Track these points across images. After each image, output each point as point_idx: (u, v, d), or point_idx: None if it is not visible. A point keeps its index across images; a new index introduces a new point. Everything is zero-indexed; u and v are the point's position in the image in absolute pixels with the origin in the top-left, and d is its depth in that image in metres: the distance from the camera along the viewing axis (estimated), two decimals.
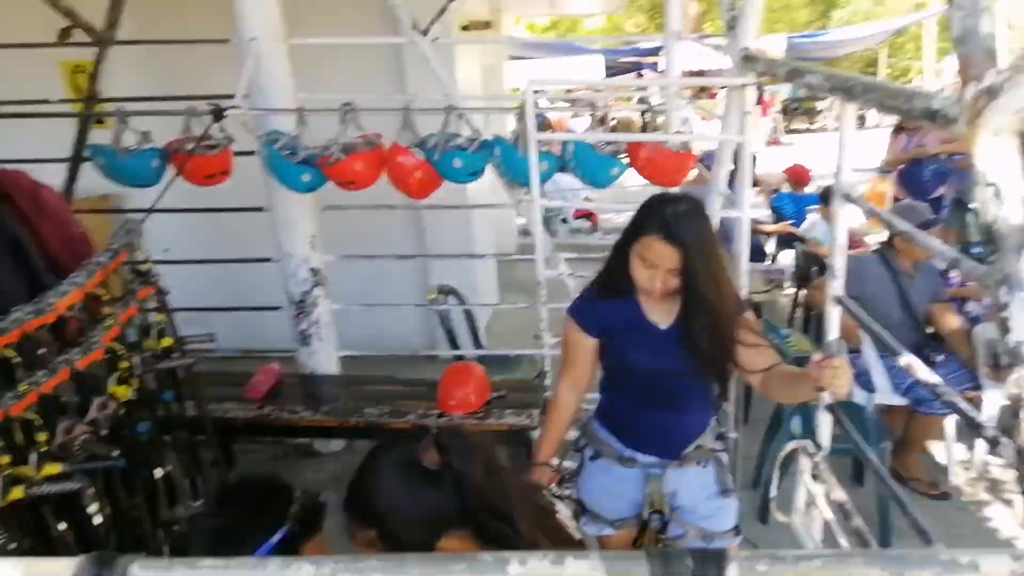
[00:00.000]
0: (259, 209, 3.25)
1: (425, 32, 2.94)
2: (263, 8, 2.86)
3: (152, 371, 2.05)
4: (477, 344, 3.76)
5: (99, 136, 3.16)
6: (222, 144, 2.95)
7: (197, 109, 2.91)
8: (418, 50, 2.98)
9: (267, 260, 3.31)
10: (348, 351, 3.47)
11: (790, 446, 1.53)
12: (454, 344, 3.69)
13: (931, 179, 5.17)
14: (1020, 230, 0.92)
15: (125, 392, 1.82)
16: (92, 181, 3.16)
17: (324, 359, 3.32)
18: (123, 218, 2.55)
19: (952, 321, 3.38)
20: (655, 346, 1.81)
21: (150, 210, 2.70)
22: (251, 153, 3.05)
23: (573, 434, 2.04)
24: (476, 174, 2.89)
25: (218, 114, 2.85)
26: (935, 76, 20.55)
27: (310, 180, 2.85)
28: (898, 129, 5.51)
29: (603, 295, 1.85)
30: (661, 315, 1.82)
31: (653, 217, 1.68)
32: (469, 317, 3.79)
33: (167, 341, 2.13)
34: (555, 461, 1.95)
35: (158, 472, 2.00)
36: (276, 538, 1.19)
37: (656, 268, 1.68)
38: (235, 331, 4.30)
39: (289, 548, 1.20)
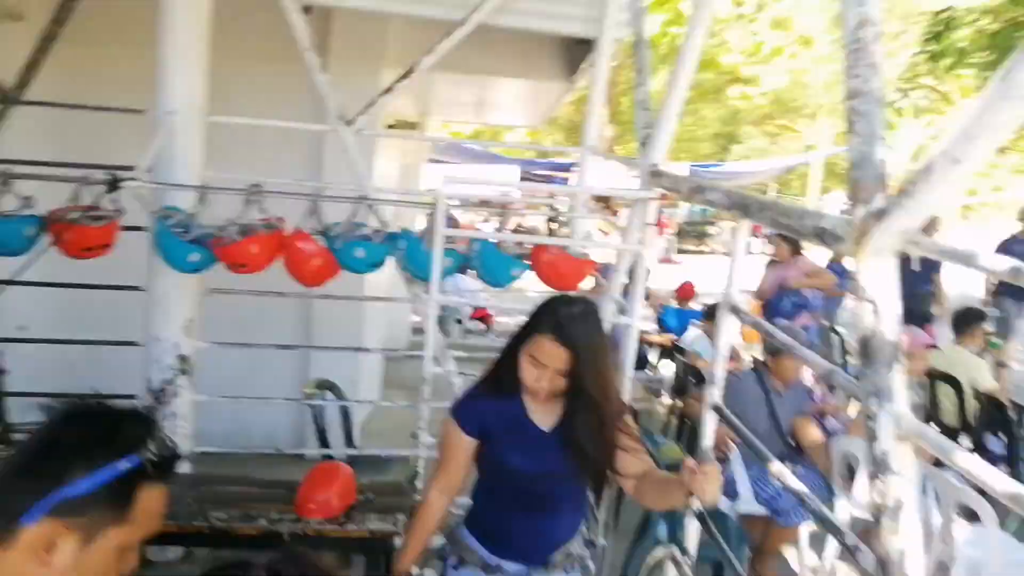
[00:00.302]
0: (135, 288, 3.04)
1: (351, 123, 2.95)
2: (188, 82, 2.78)
3: None
4: (350, 443, 3.58)
5: None
6: (110, 216, 2.79)
7: (91, 178, 2.76)
8: (340, 139, 2.97)
9: (131, 344, 3.07)
10: (205, 447, 3.17)
11: (659, 552, 1.50)
12: (324, 443, 3.49)
13: (790, 310, 5.63)
14: (892, 345, 0.95)
15: None
16: None
17: None
18: None
19: (814, 434, 3.61)
20: (535, 448, 1.78)
21: (7, 282, 2.47)
22: (140, 228, 2.90)
23: (439, 541, 1.93)
24: (377, 265, 2.84)
25: (113, 184, 2.70)
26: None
27: (198, 260, 2.71)
28: (771, 263, 5.98)
29: (488, 394, 1.83)
30: (544, 417, 1.80)
31: (547, 317, 1.70)
32: (345, 414, 3.62)
33: None
34: (415, 570, 1.86)
35: None
36: (124, 466, 1.01)
37: (545, 368, 1.68)
38: None
39: (126, 485, 1.01)
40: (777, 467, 1.16)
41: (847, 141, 1.04)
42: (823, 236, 1.11)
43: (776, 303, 5.74)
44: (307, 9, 2.94)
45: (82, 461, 0.98)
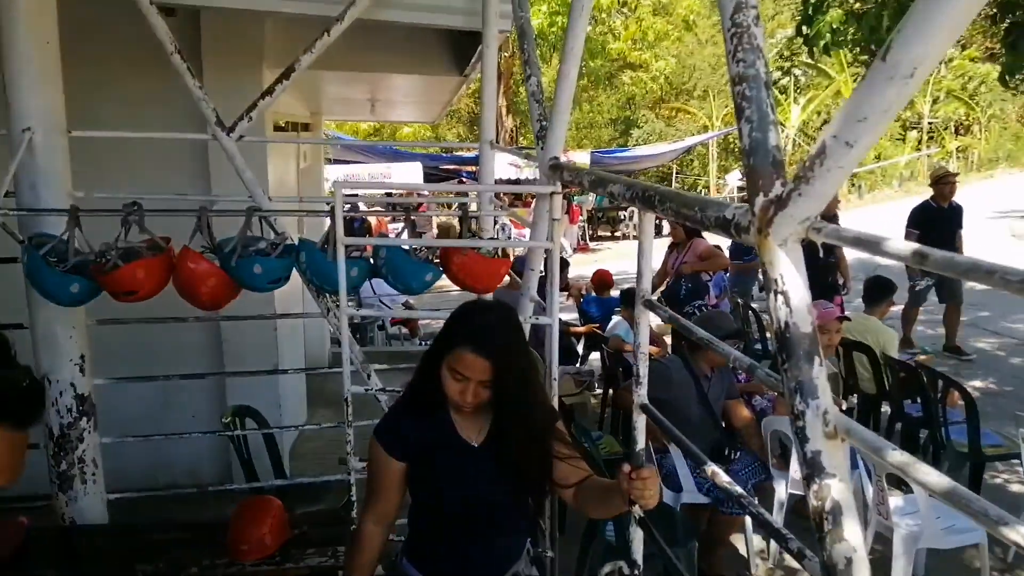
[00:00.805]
0: (17, 326, 2.79)
1: (231, 130, 2.77)
2: (42, 95, 2.54)
3: None
4: (279, 473, 3.41)
5: None
6: None
7: None
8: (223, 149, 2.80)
9: None
10: (121, 493, 2.96)
11: (605, 569, 1.46)
12: (251, 475, 3.31)
13: (686, 295, 5.74)
14: (809, 337, 0.92)
15: None
16: None
17: (88, 505, 2.78)
18: None
19: (744, 414, 3.66)
20: (467, 465, 1.70)
21: None
22: (13, 260, 2.65)
23: (380, 572, 1.83)
24: (279, 281, 2.68)
25: None
26: (717, 190, 23.29)
27: (79, 291, 2.49)
28: (671, 246, 6.07)
29: (411, 413, 1.73)
30: (472, 431, 1.72)
31: (463, 328, 1.63)
32: (270, 442, 3.44)
33: None
34: None
35: None
36: None
37: (468, 380, 1.60)
38: None
39: None
40: (710, 469, 1.14)
41: (738, 129, 1.02)
42: (726, 226, 1.08)
43: (673, 288, 5.82)
44: (170, 11, 2.74)
45: None
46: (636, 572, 1.41)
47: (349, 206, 3.15)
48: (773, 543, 3.59)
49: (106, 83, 3.66)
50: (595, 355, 6.24)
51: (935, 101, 24.95)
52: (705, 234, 5.67)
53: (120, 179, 3.04)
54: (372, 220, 11.33)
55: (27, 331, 2.73)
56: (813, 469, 0.83)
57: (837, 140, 0.84)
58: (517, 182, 14.80)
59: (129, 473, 3.11)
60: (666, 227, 19.66)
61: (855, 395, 4.82)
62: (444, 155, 16.58)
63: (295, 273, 2.78)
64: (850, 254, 6.50)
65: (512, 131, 21.29)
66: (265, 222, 2.73)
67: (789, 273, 0.94)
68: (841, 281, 6.50)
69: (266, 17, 3.78)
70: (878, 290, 5.02)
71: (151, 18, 2.58)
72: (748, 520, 3.47)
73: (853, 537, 0.78)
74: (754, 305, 6.67)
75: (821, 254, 5.89)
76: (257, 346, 4.04)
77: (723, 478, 1.13)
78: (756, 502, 1.17)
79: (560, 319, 2.62)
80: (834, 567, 0.80)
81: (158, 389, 3.92)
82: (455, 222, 6.28)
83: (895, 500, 3.18)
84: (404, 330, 7.93)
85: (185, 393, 4.02)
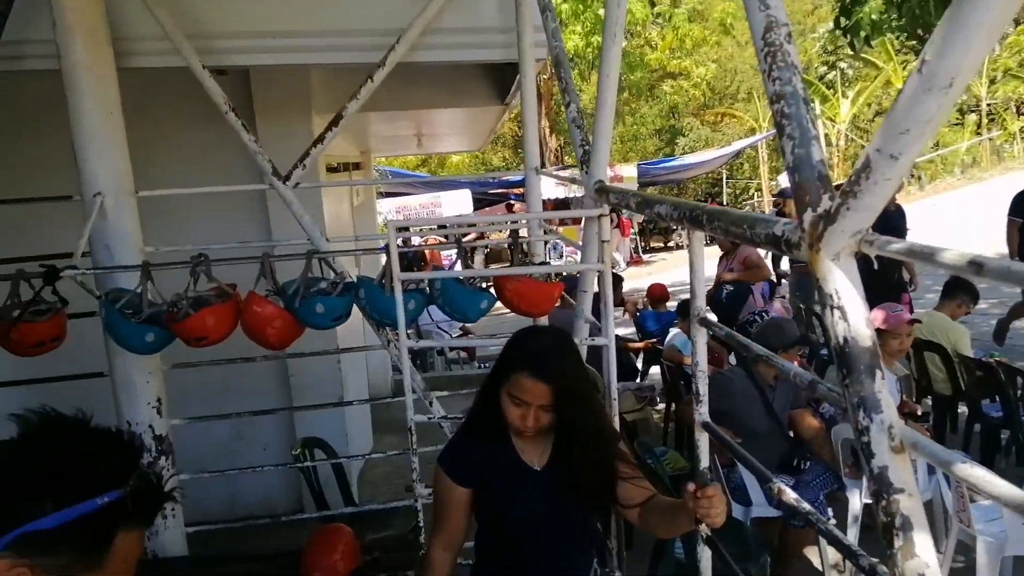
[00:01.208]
0: (98, 375, 2.95)
1: (286, 178, 2.89)
2: (110, 162, 2.71)
3: None
4: (348, 500, 3.49)
5: None
6: (54, 309, 2.69)
7: (27, 272, 2.67)
8: (281, 197, 2.91)
9: None
10: (198, 526, 3.09)
11: None
12: (322, 504, 3.40)
13: (729, 301, 5.62)
14: (869, 351, 0.92)
15: None
16: None
17: (169, 540, 2.91)
18: None
19: (812, 423, 3.55)
20: (531, 489, 1.72)
21: None
22: (92, 315, 2.81)
23: None
24: (340, 318, 2.77)
25: (51, 276, 2.61)
26: (770, 191, 22.82)
27: (154, 340, 2.62)
28: (722, 257, 6.04)
29: (473, 439, 1.76)
30: (535, 455, 1.74)
31: (519, 353, 1.65)
32: (339, 471, 3.53)
33: None
34: None
35: None
36: (102, 501, 0.85)
37: (528, 406, 1.62)
38: None
39: (103, 524, 0.86)
40: (778, 486, 1.13)
41: (780, 147, 1.02)
42: (777, 243, 1.08)
43: (715, 295, 5.75)
44: (221, 72, 2.88)
45: (53, 490, 0.84)
46: None
47: (402, 241, 3.24)
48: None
49: (167, 141, 3.86)
50: (655, 369, 6.16)
51: (992, 82, 24.01)
52: None
53: (186, 231, 3.19)
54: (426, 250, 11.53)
55: (107, 379, 2.88)
56: (881, 485, 0.83)
57: (881, 153, 0.84)
58: (566, 202, 14.84)
59: (205, 506, 3.24)
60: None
61: (929, 397, 4.64)
62: (492, 180, 16.74)
63: (355, 308, 2.86)
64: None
65: (557, 150, 21.36)
66: (324, 263, 2.83)
67: (844, 288, 0.94)
68: (908, 278, 6.26)
69: (311, 69, 3.92)
70: (957, 288, 4.76)
71: (205, 81, 2.72)
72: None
73: (925, 552, 0.77)
74: (817, 309, 6.50)
75: (876, 266, 5.69)
76: (322, 379, 4.15)
77: (789, 495, 1.12)
78: (829, 513, 1.15)
79: (617, 335, 2.62)
80: None
81: (230, 425, 4.06)
82: (506, 247, 6.35)
83: (978, 506, 3.04)
84: (463, 354, 8.01)
85: (256, 427, 4.16)
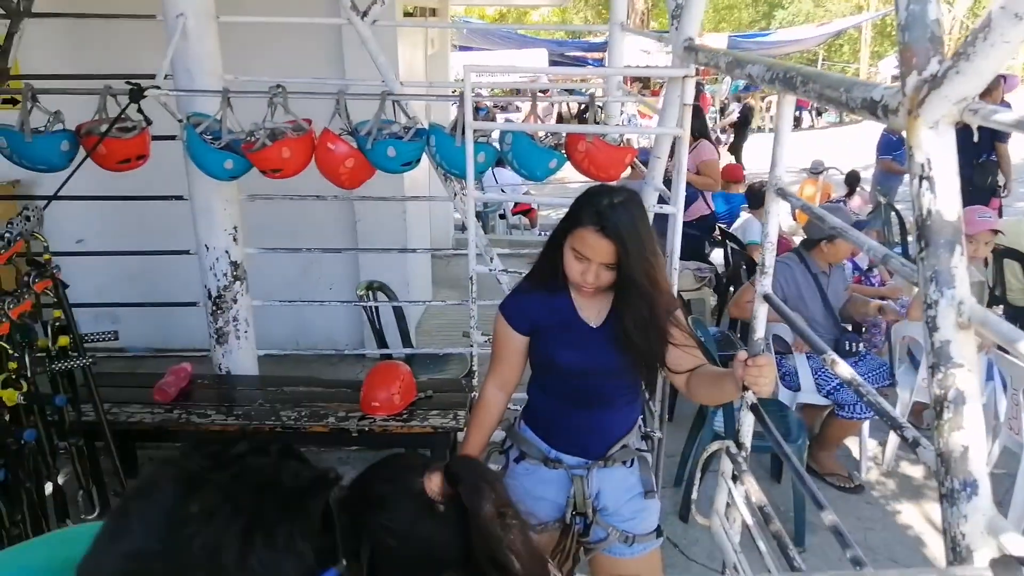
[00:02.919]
0: (178, 197, 3.08)
1: (364, 14, 2.82)
2: None
3: (45, 372, 1.88)
4: (406, 342, 3.66)
5: (11, 117, 2.95)
6: (139, 127, 2.78)
7: (114, 88, 2.75)
8: (356, 33, 2.86)
9: (184, 252, 3.14)
10: (268, 350, 3.31)
11: (714, 446, 1.50)
12: (382, 343, 3.58)
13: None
14: (952, 225, 0.89)
15: (12, 396, 1.65)
16: (2, 166, 2.94)
17: (241, 359, 3.14)
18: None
19: (861, 301, 3.63)
20: (585, 344, 1.76)
21: (53, 197, 2.51)
22: (172, 137, 2.90)
23: (499, 435, 1.97)
24: (410, 164, 2.79)
25: (137, 94, 2.68)
26: (869, 79, 21.13)
27: (233, 167, 2.70)
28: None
29: (535, 291, 1.80)
30: (592, 312, 1.78)
31: (588, 208, 1.64)
32: (399, 314, 3.68)
33: (64, 340, 1.96)
34: None
35: (48, 485, 1.83)
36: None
37: (589, 262, 1.64)
38: (146, 329, 4.14)
39: None
40: (832, 358, 1.13)
41: (895, 1, 0.94)
42: (873, 108, 1.03)
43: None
44: None
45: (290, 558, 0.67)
46: (743, 453, 1.44)
47: (476, 92, 3.19)
48: (888, 450, 3.52)
49: None
50: (718, 252, 6.08)
51: None
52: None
53: (262, 65, 3.19)
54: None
55: (186, 203, 3.01)
56: (940, 358, 0.82)
57: (1006, 11, 0.77)
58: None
59: (275, 335, 3.44)
60: (804, 120, 18.29)
61: (1001, 307, 4.48)
62: (570, 41, 16.02)
63: (424, 159, 2.87)
64: (1017, 154, 5.85)
65: (644, 13, 20.14)
66: (398, 105, 2.81)
67: (937, 157, 0.89)
68: (1002, 182, 5.89)
69: None
70: None
71: None
72: (865, 426, 3.41)
73: (973, 427, 0.78)
74: (899, 207, 6.23)
75: (976, 138, 5.33)
76: (388, 227, 4.25)
77: (843, 369, 1.13)
78: (878, 398, 1.16)
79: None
80: (949, 454, 0.80)
81: (300, 263, 4.24)
82: (575, 115, 6.16)
83: None
84: (524, 220, 8.02)
85: (323, 267, 4.34)
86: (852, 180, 6.58)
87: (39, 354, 1.88)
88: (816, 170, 6.68)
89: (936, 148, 0.90)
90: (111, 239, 3.93)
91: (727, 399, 1.77)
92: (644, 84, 15.88)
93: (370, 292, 3.57)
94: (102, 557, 0.64)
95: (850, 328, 3.84)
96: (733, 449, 1.45)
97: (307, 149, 2.68)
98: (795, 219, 6.07)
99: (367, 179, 2.80)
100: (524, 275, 1.88)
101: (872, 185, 7.09)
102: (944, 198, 0.89)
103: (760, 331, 1.46)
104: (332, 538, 0.71)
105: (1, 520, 1.60)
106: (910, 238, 5.76)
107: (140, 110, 2.73)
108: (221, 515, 0.65)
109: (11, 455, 1.61)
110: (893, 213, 6.07)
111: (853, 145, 12.91)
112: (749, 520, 1.42)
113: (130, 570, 0.63)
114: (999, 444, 3.07)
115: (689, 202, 5.02)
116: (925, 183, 0.90)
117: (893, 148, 6.72)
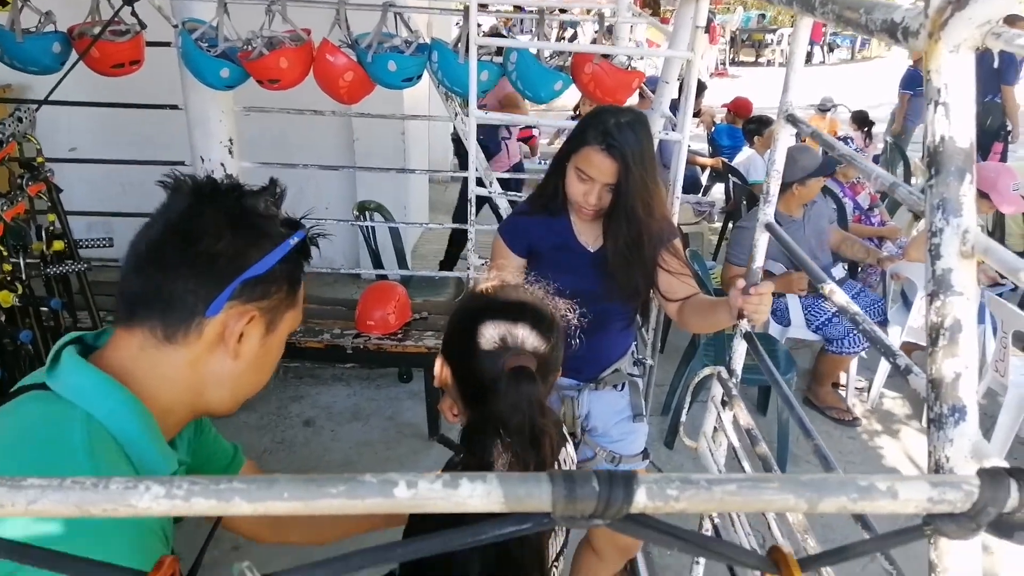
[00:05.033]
0: (172, 107, 3.01)
1: None
2: None
3: (40, 276, 1.87)
4: (402, 264, 3.66)
5: (1, 19, 2.85)
6: (132, 30, 2.69)
7: None
8: None
9: (179, 164, 3.09)
10: None
11: (705, 371, 1.52)
12: (378, 263, 3.57)
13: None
14: (964, 153, 0.87)
15: (8, 298, 1.66)
16: None
17: None
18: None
19: (841, 233, 3.62)
20: (581, 267, 1.77)
21: (45, 100, 2.45)
22: (167, 44, 2.82)
23: None
24: (411, 80, 2.72)
25: None
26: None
27: (229, 76, 2.63)
28: None
29: (535, 213, 1.80)
30: (590, 237, 1.78)
31: (595, 127, 1.63)
32: (395, 236, 3.67)
33: (58, 244, 1.95)
34: None
35: None
36: (293, 240, 0.90)
37: (593, 182, 1.64)
38: None
39: (295, 263, 0.91)
40: (830, 287, 1.13)
41: None
42: (893, 31, 0.99)
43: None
44: None
45: (256, 238, 0.86)
46: (734, 379, 1.46)
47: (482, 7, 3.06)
48: (874, 388, 3.58)
49: None
50: (718, 187, 6.04)
51: None
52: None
53: None
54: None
55: (181, 112, 2.94)
56: (940, 286, 0.81)
57: None
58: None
59: None
60: (816, 55, 17.76)
61: None
62: None
63: (425, 77, 2.80)
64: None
65: None
66: (400, 18, 2.72)
67: (955, 82, 0.87)
68: (1008, 128, 5.82)
69: None
70: None
71: None
72: (853, 364, 3.46)
73: (966, 354, 0.78)
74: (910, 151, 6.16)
75: (996, 63, 5.21)
76: (386, 146, 4.18)
77: (840, 296, 1.13)
78: (872, 326, 1.16)
79: (688, 146, 2.53)
80: (941, 380, 0.80)
81: (296, 181, 4.18)
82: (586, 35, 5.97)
83: (1018, 360, 3.05)
84: (524, 147, 7.90)
85: (320, 185, 4.29)
86: (859, 120, 6.47)
87: (33, 260, 1.87)
88: (824, 107, 6.57)
89: (955, 73, 0.87)
90: (105, 149, 3.86)
91: (719, 327, 1.79)
92: (654, 11, 15.41)
93: (366, 212, 3.55)
94: (138, 239, 0.85)
95: (846, 268, 3.86)
96: (724, 374, 1.47)
97: (305, 60, 2.61)
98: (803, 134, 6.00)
99: (366, 95, 2.74)
100: (526, 198, 1.87)
101: (889, 123, 6.98)
102: (959, 124, 0.87)
103: (759, 260, 1.45)
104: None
105: None
106: (914, 180, 5.72)
107: (134, 13, 2.64)
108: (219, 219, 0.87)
109: (8, 355, 1.63)
110: (898, 153, 6.01)
111: (864, 82, 12.68)
112: (736, 443, 1.45)
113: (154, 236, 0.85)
114: (984, 384, 3.13)
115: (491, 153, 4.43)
116: (940, 108, 0.88)
117: (916, 84, 6.58)
